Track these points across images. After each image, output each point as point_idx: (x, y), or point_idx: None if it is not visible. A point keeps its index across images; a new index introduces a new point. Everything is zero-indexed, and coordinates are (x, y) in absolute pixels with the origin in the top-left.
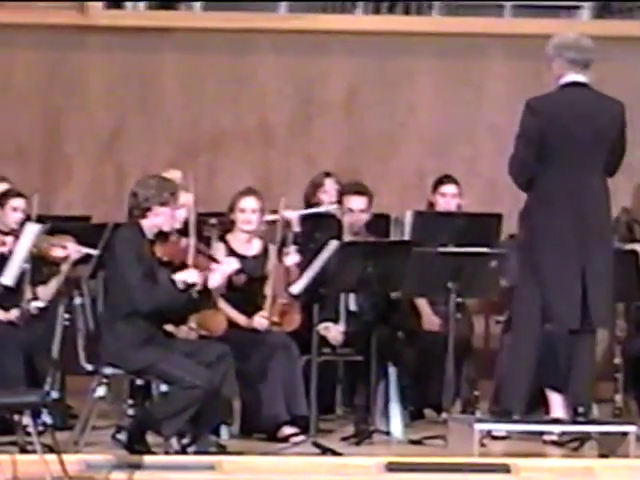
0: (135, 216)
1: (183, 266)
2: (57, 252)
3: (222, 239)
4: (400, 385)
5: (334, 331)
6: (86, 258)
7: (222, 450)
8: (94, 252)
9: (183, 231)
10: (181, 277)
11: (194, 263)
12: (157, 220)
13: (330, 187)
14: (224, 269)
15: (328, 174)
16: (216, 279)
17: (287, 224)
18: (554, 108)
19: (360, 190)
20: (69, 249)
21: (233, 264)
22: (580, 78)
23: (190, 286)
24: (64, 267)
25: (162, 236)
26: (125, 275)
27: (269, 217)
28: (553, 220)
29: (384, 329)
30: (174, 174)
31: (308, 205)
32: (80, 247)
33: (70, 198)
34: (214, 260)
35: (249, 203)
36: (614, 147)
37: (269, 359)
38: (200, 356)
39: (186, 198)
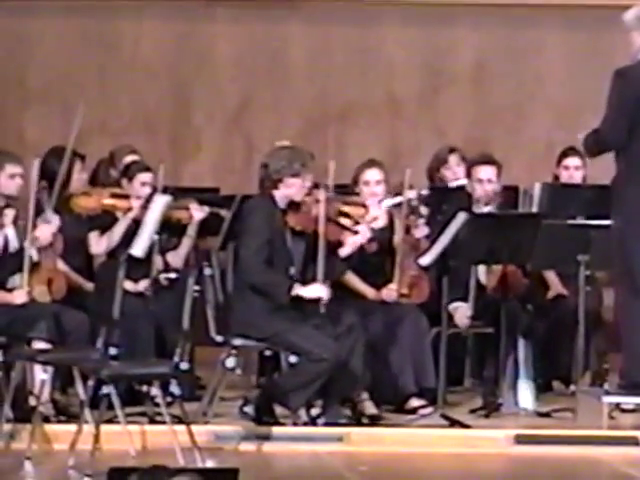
0: (267, 187)
1: (315, 235)
2: (180, 214)
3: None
4: (529, 357)
5: (461, 313)
6: (216, 229)
7: (351, 421)
8: (219, 211)
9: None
10: (307, 293)
11: (325, 232)
12: (289, 191)
13: (454, 163)
14: (356, 240)
15: (452, 150)
16: (347, 250)
17: (419, 196)
18: None
19: (488, 160)
20: (191, 209)
21: (365, 234)
22: None
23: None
24: (191, 230)
25: (294, 206)
26: (245, 242)
27: (394, 201)
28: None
29: (513, 302)
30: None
31: (431, 181)
32: (202, 207)
33: (198, 170)
34: (346, 229)
35: (373, 175)
36: None
37: (398, 331)
38: (329, 328)
39: None
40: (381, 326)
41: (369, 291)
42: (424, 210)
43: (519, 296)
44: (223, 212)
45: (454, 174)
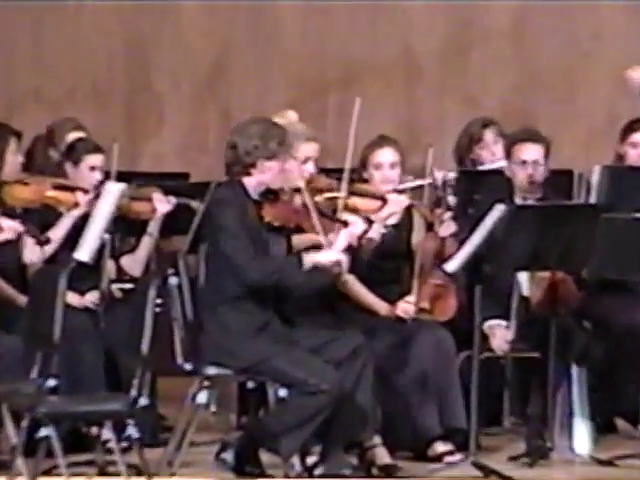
0: (235, 173)
1: (299, 230)
2: (139, 206)
3: None
4: (585, 389)
5: (499, 336)
6: (184, 226)
7: (357, 473)
8: (188, 202)
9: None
10: (315, 258)
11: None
12: (263, 177)
13: (491, 141)
14: (352, 230)
15: (487, 123)
16: (341, 243)
17: (443, 184)
18: None
19: (533, 137)
20: (154, 201)
21: (360, 224)
22: None
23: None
24: (152, 227)
25: (270, 195)
26: (226, 245)
27: (415, 183)
28: None
29: (565, 318)
30: (290, 116)
31: (461, 163)
32: (168, 197)
33: (162, 150)
34: (339, 222)
35: (386, 156)
36: None
37: (417, 356)
38: (329, 352)
39: (311, 150)
40: (395, 350)
41: (380, 305)
42: (451, 201)
43: (572, 311)
44: (194, 204)
45: (492, 154)
